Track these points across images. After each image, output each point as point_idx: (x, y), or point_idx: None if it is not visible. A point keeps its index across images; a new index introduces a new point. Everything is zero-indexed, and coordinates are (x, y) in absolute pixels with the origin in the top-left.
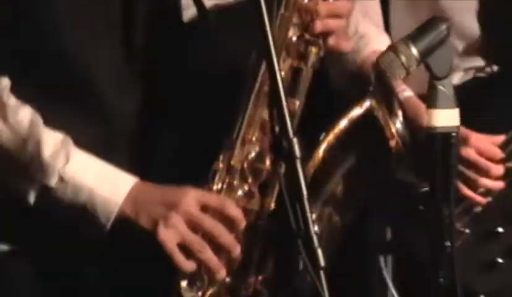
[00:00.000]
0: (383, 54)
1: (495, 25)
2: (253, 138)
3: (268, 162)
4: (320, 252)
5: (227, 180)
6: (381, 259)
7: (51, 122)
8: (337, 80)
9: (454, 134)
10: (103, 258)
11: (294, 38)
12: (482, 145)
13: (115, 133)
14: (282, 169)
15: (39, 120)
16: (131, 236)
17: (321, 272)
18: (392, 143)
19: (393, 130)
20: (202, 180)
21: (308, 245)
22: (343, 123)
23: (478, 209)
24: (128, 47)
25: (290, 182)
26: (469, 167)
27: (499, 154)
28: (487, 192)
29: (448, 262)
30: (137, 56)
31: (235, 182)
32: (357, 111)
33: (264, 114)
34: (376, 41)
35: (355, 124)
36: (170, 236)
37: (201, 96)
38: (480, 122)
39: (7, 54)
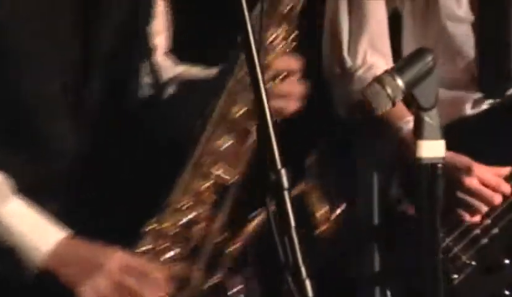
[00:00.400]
0: (368, 85)
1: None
2: (186, 206)
3: (197, 229)
4: (308, 282)
5: (158, 242)
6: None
7: None
8: (342, 107)
9: (439, 165)
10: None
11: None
12: (485, 175)
13: (56, 174)
14: (271, 203)
15: None
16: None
17: None
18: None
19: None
20: (132, 236)
21: (297, 276)
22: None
23: (485, 241)
24: (78, 97)
25: (278, 215)
26: (472, 196)
27: (502, 184)
28: (492, 224)
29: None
30: (83, 107)
31: (165, 245)
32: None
33: (200, 184)
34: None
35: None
36: (92, 294)
37: (144, 157)
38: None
39: None
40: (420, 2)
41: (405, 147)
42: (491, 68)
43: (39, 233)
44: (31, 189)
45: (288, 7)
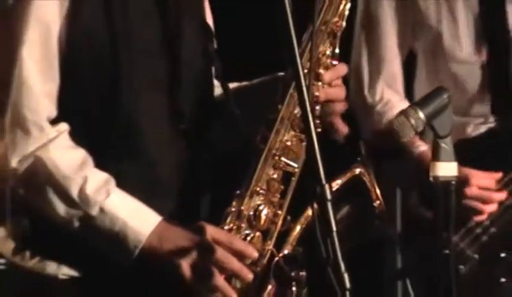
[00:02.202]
0: (396, 117)
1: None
2: (260, 191)
3: (269, 214)
4: (346, 276)
5: (238, 222)
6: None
7: (101, 165)
8: (366, 133)
9: (453, 183)
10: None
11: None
12: (481, 181)
13: (153, 181)
14: (316, 209)
15: (90, 161)
16: (153, 264)
17: (348, 293)
18: (377, 203)
19: (378, 192)
20: (217, 220)
21: (337, 270)
22: (336, 185)
23: (485, 238)
24: (174, 104)
25: (322, 219)
26: (474, 201)
27: (493, 185)
28: (491, 224)
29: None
30: (180, 116)
31: (242, 225)
32: (349, 175)
33: (271, 172)
34: (399, 107)
35: (347, 186)
36: (188, 266)
37: (222, 156)
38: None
39: (70, 106)
40: (430, 45)
41: (418, 166)
42: (501, 100)
43: (140, 218)
44: (134, 192)
45: (334, 26)
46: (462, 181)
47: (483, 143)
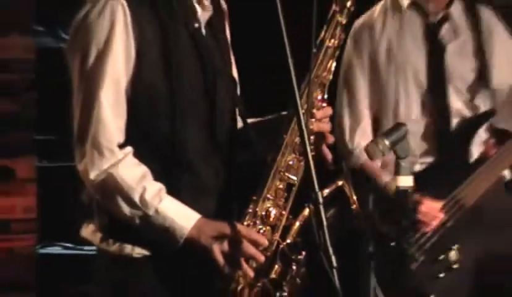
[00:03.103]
0: (369, 143)
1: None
2: (270, 197)
3: (277, 213)
4: (333, 258)
5: (254, 220)
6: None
7: (160, 176)
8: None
9: (409, 191)
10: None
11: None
12: (429, 205)
13: (201, 187)
14: (311, 210)
15: (149, 175)
16: (192, 249)
17: (334, 270)
18: (354, 206)
19: (355, 198)
20: (239, 218)
21: (327, 254)
22: (325, 193)
23: (428, 245)
24: (212, 134)
25: (316, 217)
26: (423, 216)
27: (438, 209)
28: (432, 235)
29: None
30: (216, 142)
31: (257, 222)
32: (334, 187)
33: (278, 183)
34: None
35: (333, 194)
36: (218, 250)
37: (243, 171)
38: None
39: (134, 132)
40: (390, 110)
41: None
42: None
43: (184, 217)
44: (185, 195)
45: (324, 78)
46: (417, 202)
47: (425, 176)
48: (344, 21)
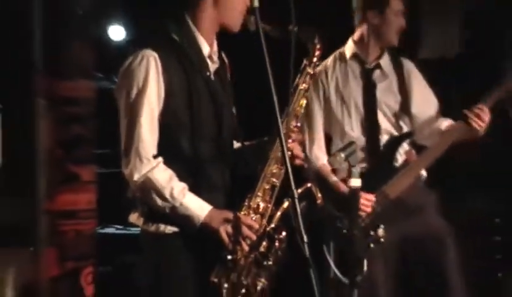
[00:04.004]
0: (330, 157)
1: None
2: (259, 195)
3: (264, 206)
4: (304, 236)
5: (248, 211)
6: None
7: (182, 178)
8: (308, 171)
9: (358, 188)
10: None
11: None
12: (365, 196)
13: (212, 186)
14: (289, 202)
15: (174, 176)
16: (207, 231)
17: (306, 245)
18: (319, 201)
19: (319, 195)
20: (238, 208)
21: (300, 234)
22: (299, 191)
23: (363, 224)
24: (218, 148)
25: (293, 208)
26: (361, 204)
27: (371, 199)
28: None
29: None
30: (222, 154)
31: (250, 212)
32: (304, 187)
33: (265, 185)
34: (322, 159)
35: (304, 193)
36: (224, 232)
37: (240, 177)
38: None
39: (163, 146)
40: (338, 130)
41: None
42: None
43: (200, 208)
44: (200, 191)
45: (299, 110)
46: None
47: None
48: (311, 72)
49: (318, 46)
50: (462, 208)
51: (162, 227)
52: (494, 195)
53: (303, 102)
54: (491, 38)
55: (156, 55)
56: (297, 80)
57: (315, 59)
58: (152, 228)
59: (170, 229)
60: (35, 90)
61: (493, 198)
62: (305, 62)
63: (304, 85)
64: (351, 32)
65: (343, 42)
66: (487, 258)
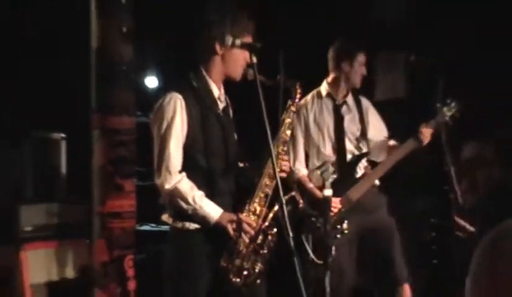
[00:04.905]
0: (309, 173)
1: None
2: (256, 201)
3: (260, 209)
4: (290, 231)
5: (248, 213)
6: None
7: (200, 187)
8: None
9: (329, 196)
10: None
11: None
12: (334, 200)
13: (221, 192)
14: (279, 206)
15: (195, 186)
16: (218, 228)
17: (291, 239)
18: (300, 205)
19: (301, 201)
20: (241, 211)
21: (287, 230)
22: (285, 198)
23: (332, 220)
24: (226, 164)
25: (281, 211)
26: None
27: (338, 202)
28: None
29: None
30: (229, 168)
31: (250, 214)
32: (289, 195)
33: (261, 193)
34: (303, 171)
35: (289, 199)
36: (231, 228)
37: (242, 187)
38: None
39: (186, 164)
40: (315, 149)
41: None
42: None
43: (214, 210)
44: (214, 197)
45: (285, 138)
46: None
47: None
48: (294, 109)
49: (298, 91)
50: (405, 211)
51: (187, 224)
52: (429, 200)
53: (289, 132)
54: (427, 85)
55: (180, 96)
56: (283, 115)
57: (296, 100)
58: (179, 224)
59: (193, 226)
60: (92, 123)
61: (429, 203)
62: (289, 102)
63: (289, 119)
64: (325, 75)
65: (319, 83)
66: (425, 249)
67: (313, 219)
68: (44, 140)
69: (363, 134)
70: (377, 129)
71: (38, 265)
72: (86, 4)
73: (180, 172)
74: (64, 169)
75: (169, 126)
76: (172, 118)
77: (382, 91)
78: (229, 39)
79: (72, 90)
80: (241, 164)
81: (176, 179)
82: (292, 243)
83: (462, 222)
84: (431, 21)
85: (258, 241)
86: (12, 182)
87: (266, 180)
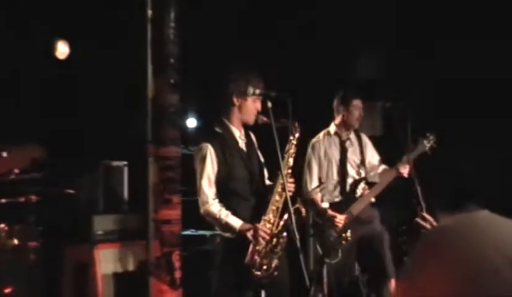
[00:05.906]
0: (312, 190)
1: None
2: (270, 213)
3: (273, 218)
4: (297, 235)
5: (264, 222)
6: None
7: (227, 207)
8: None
9: (326, 208)
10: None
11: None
12: (339, 216)
13: (246, 207)
14: (288, 216)
15: (223, 208)
16: (240, 235)
17: (297, 240)
18: (303, 214)
19: (303, 211)
20: (258, 221)
21: (293, 233)
22: (293, 209)
23: (338, 230)
24: (251, 186)
25: (289, 219)
26: (337, 221)
27: (342, 217)
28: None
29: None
30: (252, 189)
31: (266, 222)
32: (296, 207)
33: (273, 207)
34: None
35: (295, 210)
36: (251, 235)
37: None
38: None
39: (220, 189)
40: (325, 171)
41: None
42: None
43: (237, 223)
44: (239, 210)
45: (290, 163)
46: (334, 216)
47: (339, 204)
48: (295, 143)
49: (298, 129)
50: (385, 220)
51: (226, 234)
52: (402, 212)
53: (291, 160)
54: (399, 125)
55: (209, 145)
56: (286, 148)
57: (297, 135)
58: (221, 233)
59: (227, 235)
60: (147, 152)
61: (402, 214)
62: (291, 138)
63: (291, 150)
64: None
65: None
66: (399, 249)
67: (319, 222)
68: (112, 167)
69: (363, 162)
70: (372, 158)
71: (107, 260)
72: (144, 64)
73: (213, 198)
74: (126, 188)
75: (202, 169)
76: (205, 160)
77: (364, 130)
78: (250, 90)
79: (134, 129)
80: (270, 182)
81: (207, 205)
82: (298, 244)
83: (423, 223)
84: (402, 77)
85: (273, 243)
86: (88, 199)
87: (276, 197)
